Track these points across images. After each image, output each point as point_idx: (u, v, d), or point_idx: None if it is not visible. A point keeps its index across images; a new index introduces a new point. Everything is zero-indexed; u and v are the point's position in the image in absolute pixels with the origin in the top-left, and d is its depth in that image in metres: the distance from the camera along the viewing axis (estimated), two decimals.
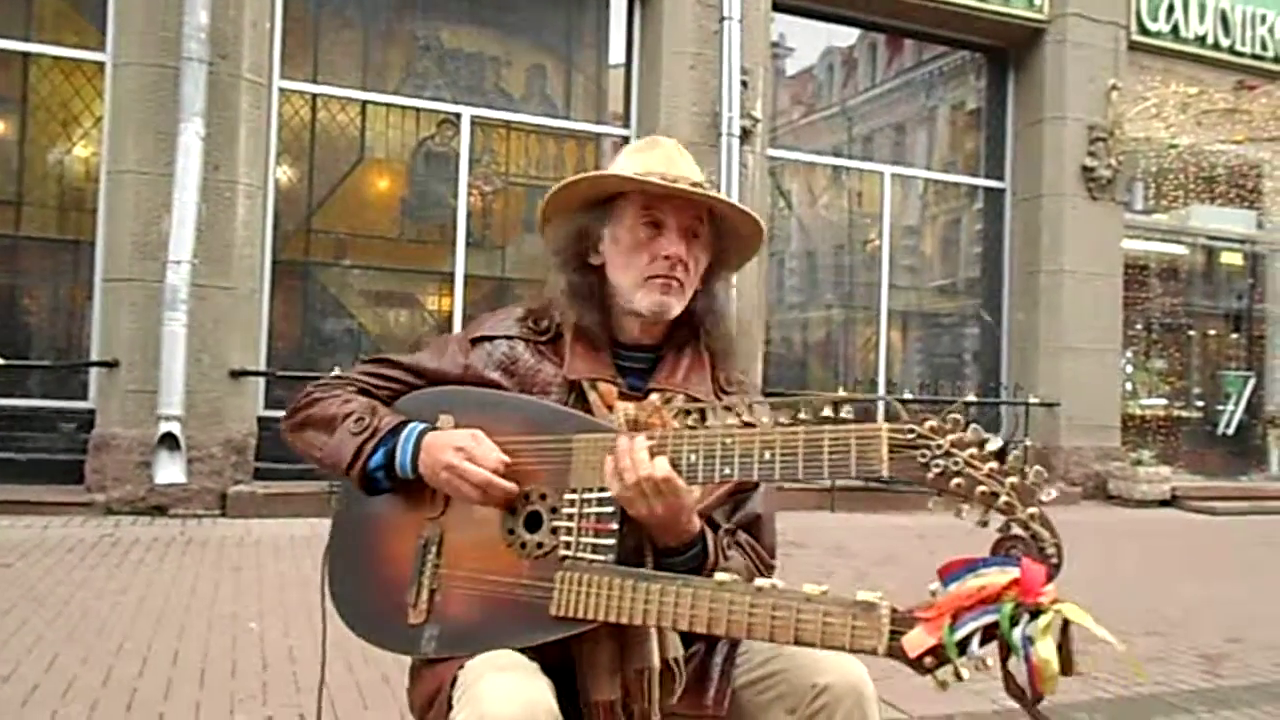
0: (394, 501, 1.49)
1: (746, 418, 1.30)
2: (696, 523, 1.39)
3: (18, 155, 6.80)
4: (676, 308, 1.54)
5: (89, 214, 6.64)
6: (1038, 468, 1.17)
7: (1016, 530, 1.14)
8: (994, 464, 1.15)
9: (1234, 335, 11.05)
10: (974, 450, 1.16)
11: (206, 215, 6.27)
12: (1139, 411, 10.01)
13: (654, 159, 1.55)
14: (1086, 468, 8.95)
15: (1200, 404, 10.73)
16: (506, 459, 1.40)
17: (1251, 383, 10.67)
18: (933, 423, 1.18)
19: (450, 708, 1.30)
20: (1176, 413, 10.38)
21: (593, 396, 1.49)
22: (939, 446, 1.17)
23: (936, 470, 1.16)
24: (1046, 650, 1.08)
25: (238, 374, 6.53)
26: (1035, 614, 1.09)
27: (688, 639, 1.44)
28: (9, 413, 6.33)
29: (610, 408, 1.47)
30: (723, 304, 1.62)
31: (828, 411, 1.24)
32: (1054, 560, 1.13)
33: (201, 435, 6.24)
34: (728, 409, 1.43)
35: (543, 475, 1.40)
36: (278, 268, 7.09)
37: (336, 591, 1.56)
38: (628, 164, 1.57)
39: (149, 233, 6.26)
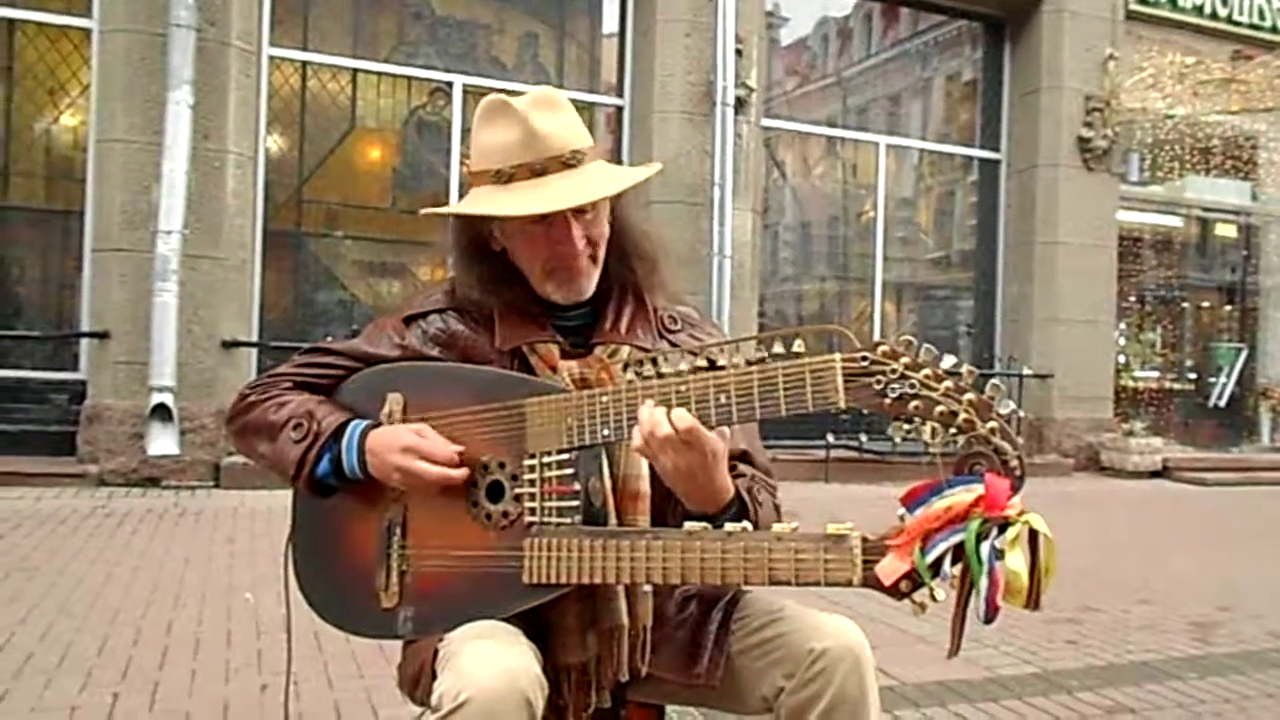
0: (355, 485, 1.46)
1: (699, 361, 1.26)
2: (729, 484, 1.35)
3: (4, 124, 6.71)
4: (592, 284, 1.47)
5: (78, 183, 6.57)
6: (994, 381, 1.16)
7: (978, 447, 1.13)
8: (949, 383, 1.14)
9: (1227, 308, 11.07)
10: (929, 371, 1.14)
11: (196, 185, 6.21)
12: (1131, 383, 10.05)
13: (509, 138, 1.40)
14: (1079, 439, 8.99)
15: (1192, 376, 10.76)
16: (457, 448, 1.37)
17: (1243, 355, 10.71)
18: (885, 347, 1.16)
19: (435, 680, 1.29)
20: (1168, 385, 10.42)
21: (534, 360, 1.45)
22: (894, 371, 1.15)
23: (893, 395, 1.15)
24: (1015, 562, 1.08)
25: (230, 344, 6.49)
26: (1004, 528, 1.09)
27: (682, 604, 1.44)
28: None
29: (554, 369, 1.43)
30: (635, 226, 1.52)
31: (779, 348, 1.21)
32: (1017, 472, 1.13)
33: (194, 406, 6.22)
34: (677, 348, 1.40)
35: (499, 444, 1.37)
36: (269, 238, 7.03)
37: (304, 582, 1.54)
38: (484, 145, 1.43)
39: (138, 202, 6.20)
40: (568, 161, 1.40)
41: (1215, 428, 10.53)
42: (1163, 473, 8.86)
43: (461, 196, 1.63)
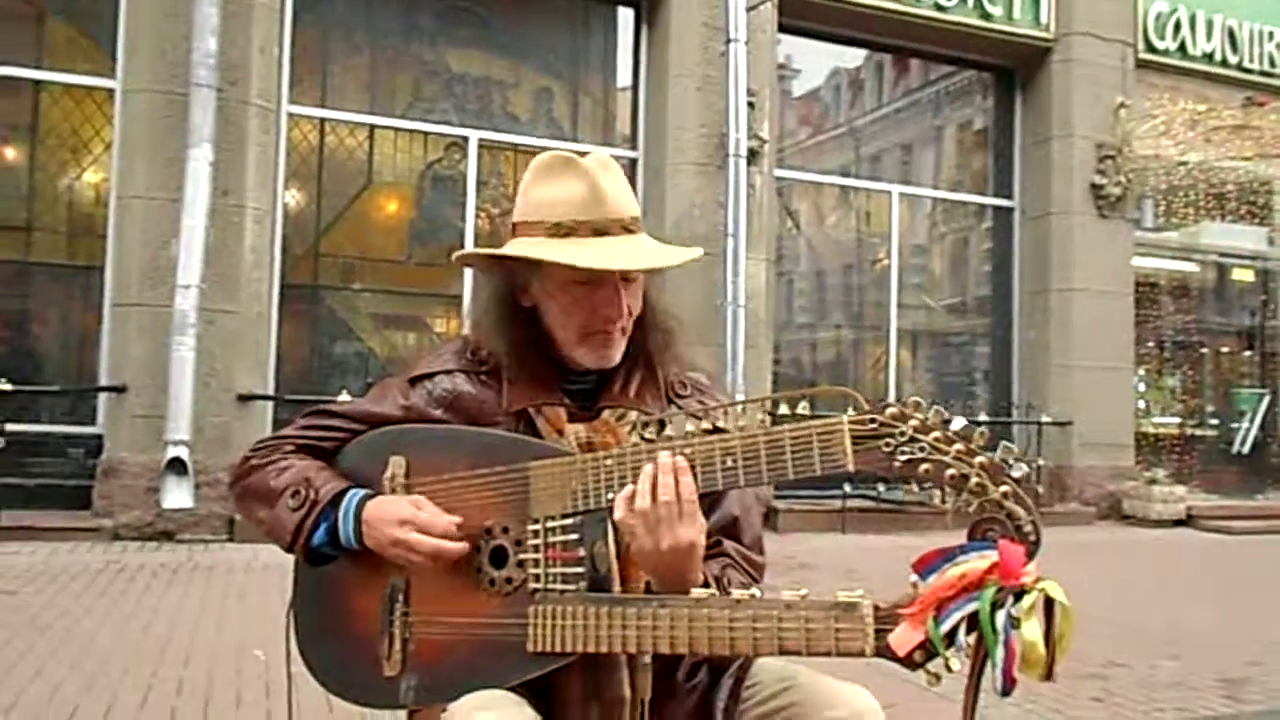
0: (354, 553, 1.44)
1: (705, 425, 1.26)
2: (700, 574, 1.32)
3: (28, 181, 6.84)
4: (619, 353, 1.45)
5: (99, 239, 6.66)
6: (1005, 443, 1.14)
7: (991, 512, 1.11)
8: (960, 445, 1.12)
9: (1247, 353, 10.97)
10: (939, 434, 1.13)
11: (214, 240, 6.28)
12: (1152, 430, 9.94)
13: (573, 194, 1.38)
14: (1100, 487, 8.87)
15: (1214, 422, 10.64)
16: (456, 520, 1.35)
17: (1266, 400, 10.59)
18: (894, 409, 1.14)
19: None
20: (1190, 431, 10.30)
21: (540, 422, 1.42)
22: (903, 434, 1.14)
23: (903, 458, 1.13)
24: (1032, 632, 1.05)
25: (246, 398, 6.52)
26: (1019, 596, 1.06)
27: (690, 671, 1.41)
28: (18, 438, 6.30)
29: (560, 432, 1.41)
30: (658, 301, 1.50)
31: (786, 410, 1.21)
32: (1032, 538, 1.10)
33: (209, 460, 6.22)
34: (686, 414, 1.38)
35: (503, 508, 1.35)
36: (286, 291, 7.09)
37: (306, 649, 1.52)
38: (542, 198, 1.41)
39: (158, 258, 6.28)
40: (628, 226, 1.40)
41: (1239, 475, 10.37)
42: (1187, 521, 8.71)
43: (486, 246, 1.61)
